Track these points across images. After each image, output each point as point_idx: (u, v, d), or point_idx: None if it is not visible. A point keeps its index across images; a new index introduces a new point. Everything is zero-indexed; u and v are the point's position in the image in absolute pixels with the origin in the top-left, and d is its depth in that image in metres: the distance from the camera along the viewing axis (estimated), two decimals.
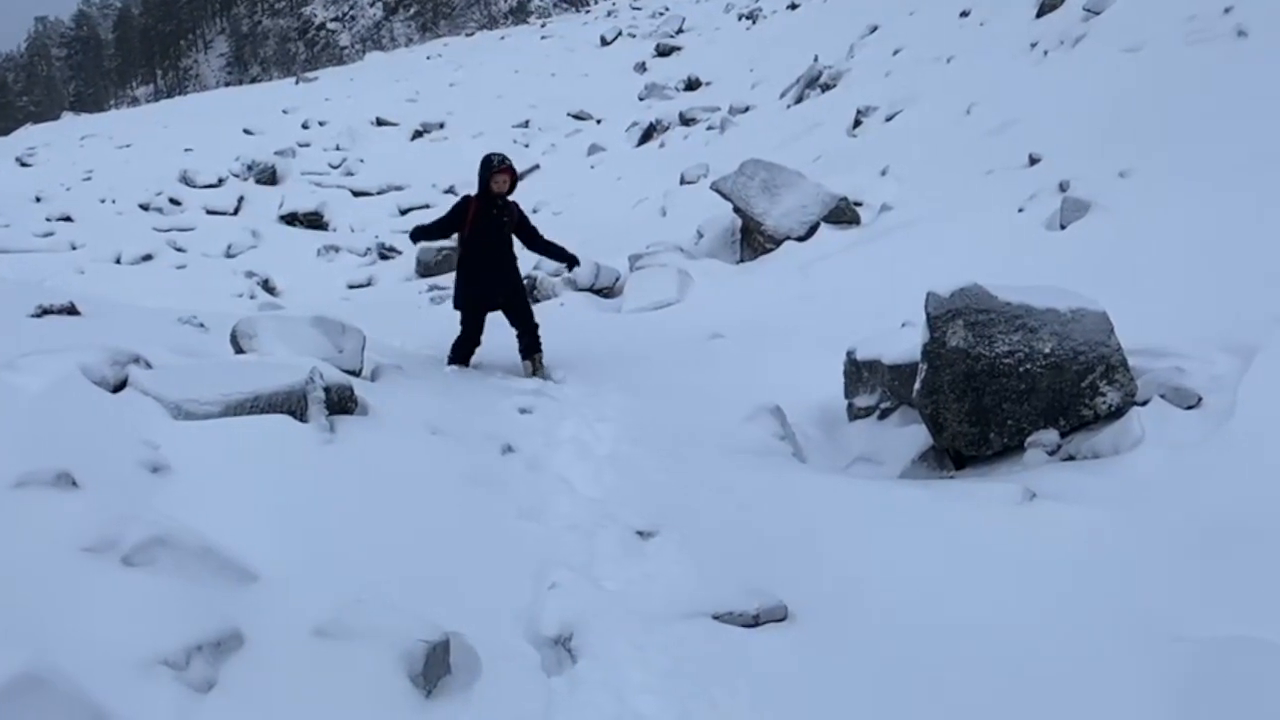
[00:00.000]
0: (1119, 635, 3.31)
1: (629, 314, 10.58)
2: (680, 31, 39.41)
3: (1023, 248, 8.20)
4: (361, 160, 28.84)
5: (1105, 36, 12.60)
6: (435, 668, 2.90)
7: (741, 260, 11.90)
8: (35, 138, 37.52)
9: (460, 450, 4.93)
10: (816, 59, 22.81)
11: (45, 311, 5.64)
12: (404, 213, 25.24)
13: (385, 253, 21.51)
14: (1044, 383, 4.94)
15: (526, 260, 7.83)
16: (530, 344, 7.48)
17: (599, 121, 30.33)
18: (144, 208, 24.88)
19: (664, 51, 36.41)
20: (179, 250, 21.42)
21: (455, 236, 7.62)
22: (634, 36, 41.83)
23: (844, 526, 4.30)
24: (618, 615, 3.47)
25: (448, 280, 13.19)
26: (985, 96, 13.50)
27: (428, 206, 25.29)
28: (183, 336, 5.96)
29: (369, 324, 6.50)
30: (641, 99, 30.57)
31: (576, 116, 31.34)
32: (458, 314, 7.53)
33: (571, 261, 7.93)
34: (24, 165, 30.50)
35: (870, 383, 6.27)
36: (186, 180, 26.62)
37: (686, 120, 25.59)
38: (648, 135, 26.19)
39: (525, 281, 8.19)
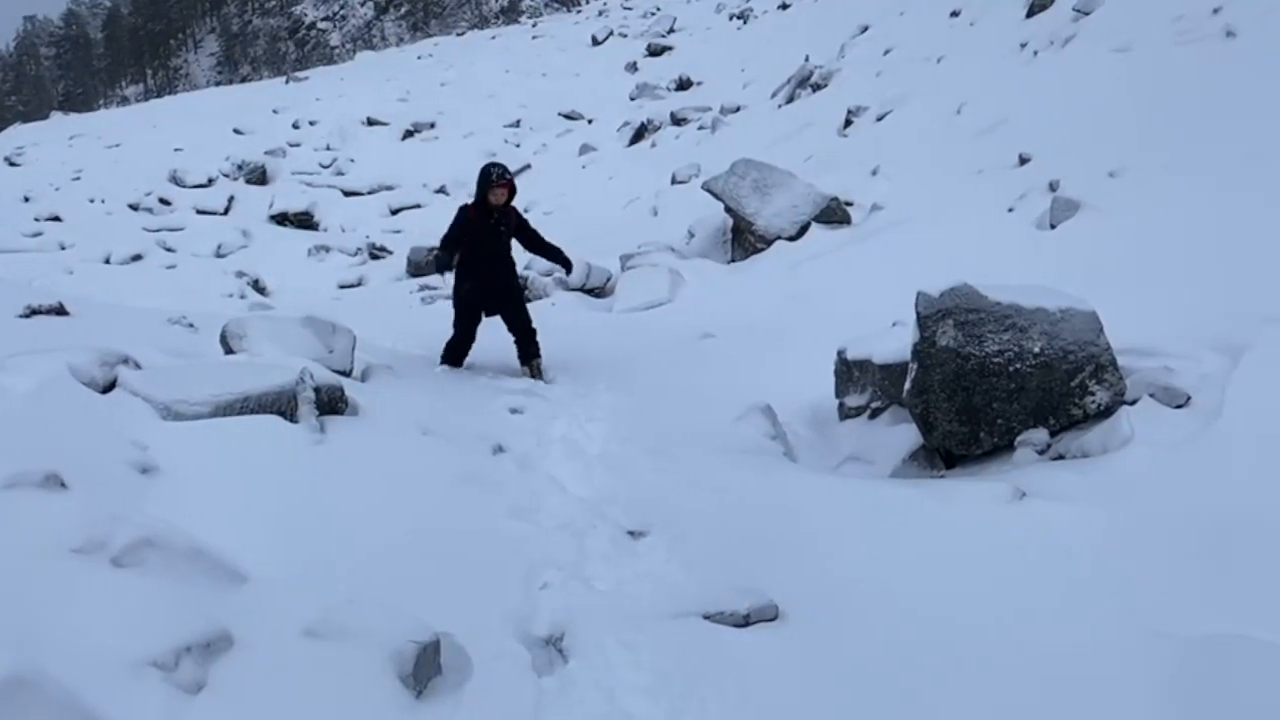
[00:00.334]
0: (1110, 633, 3.32)
1: (620, 314, 10.58)
2: (671, 31, 39.44)
3: (1013, 247, 8.22)
4: (352, 160, 28.77)
5: (1095, 37, 12.64)
6: (425, 668, 2.90)
7: (733, 260, 11.91)
8: (24, 137, 37.26)
9: (451, 450, 4.92)
10: (807, 59, 22.85)
11: (34, 312, 5.63)
12: (394, 212, 25.21)
13: (376, 252, 21.47)
14: (1033, 382, 4.96)
15: (518, 260, 7.82)
16: (528, 349, 7.47)
17: (590, 121, 30.33)
18: (133, 208, 24.79)
19: (655, 51, 36.42)
20: (168, 250, 21.33)
21: None
22: (625, 36, 41.83)
23: (835, 526, 4.30)
24: (608, 615, 3.48)
25: (439, 280, 13.19)
26: (975, 96, 13.54)
27: (418, 206, 25.29)
28: (172, 337, 5.95)
29: (359, 324, 6.49)
30: (633, 99, 30.59)
31: (568, 116, 31.34)
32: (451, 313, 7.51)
33: (567, 265, 7.92)
34: (12, 165, 30.32)
35: (861, 382, 6.28)
36: (176, 180, 26.52)
37: (678, 120, 25.62)
38: (639, 135, 26.21)
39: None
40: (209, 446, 3.93)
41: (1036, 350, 4.93)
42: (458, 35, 63.53)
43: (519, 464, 5.02)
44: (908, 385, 5.33)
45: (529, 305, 8.04)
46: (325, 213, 24.80)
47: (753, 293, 10.02)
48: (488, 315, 7.49)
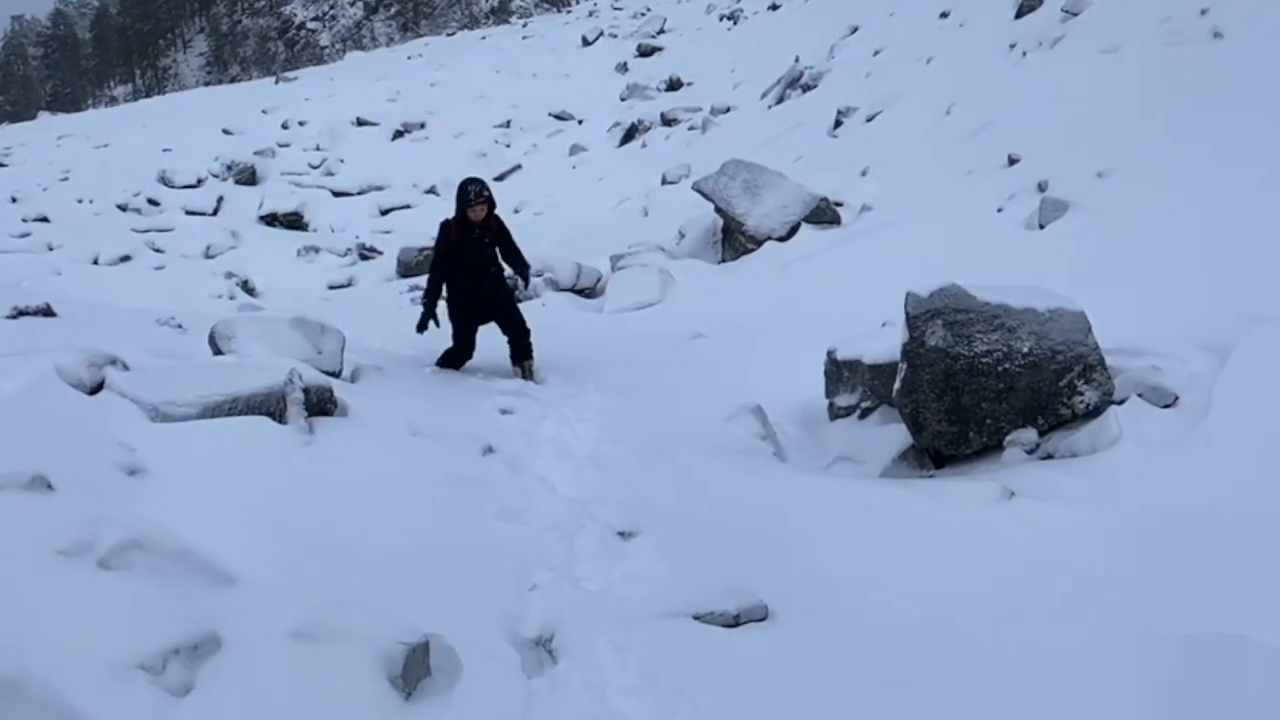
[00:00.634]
0: (1098, 631, 3.33)
1: (610, 314, 10.58)
2: (662, 32, 39.41)
3: (1002, 247, 8.25)
4: (342, 160, 28.70)
5: (1083, 38, 12.69)
6: (415, 669, 2.89)
7: (723, 260, 11.92)
8: (11, 137, 37.09)
9: (441, 451, 4.92)
10: (797, 60, 22.88)
11: (21, 313, 5.60)
12: (384, 213, 25.14)
13: (365, 253, 21.40)
14: (1022, 382, 4.97)
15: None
16: (521, 350, 7.47)
17: (580, 122, 30.31)
18: (122, 208, 24.66)
19: (645, 52, 36.41)
20: (157, 251, 21.23)
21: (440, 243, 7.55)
22: (615, 37, 41.80)
23: (825, 526, 4.31)
24: (598, 616, 3.47)
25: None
26: (965, 97, 13.58)
27: (408, 207, 25.21)
28: (161, 338, 5.93)
29: (349, 325, 6.48)
30: (623, 99, 30.57)
31: (558, 117, 31.31)
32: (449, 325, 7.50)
33: (524, 276, 7.79)
34: (0, 165, 30.18)
35: (851, 382, 6.29)
36: (165, 180, 26.41)
37: (668, 120, 25.61)
38: (629, 135, 26.20)
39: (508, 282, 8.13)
40: (197, 448, 3.91)
41: (1025, 350, 4.94)
42: (448, 35, 63.41)
43: (509, 465, 5.01)
44: (897, 385, 5.34)
45: (521, 305, 8.02)
46: (315, 213, 24.72)
47: (743, 293, 10.03)
48: (481, 324, 7.50)
